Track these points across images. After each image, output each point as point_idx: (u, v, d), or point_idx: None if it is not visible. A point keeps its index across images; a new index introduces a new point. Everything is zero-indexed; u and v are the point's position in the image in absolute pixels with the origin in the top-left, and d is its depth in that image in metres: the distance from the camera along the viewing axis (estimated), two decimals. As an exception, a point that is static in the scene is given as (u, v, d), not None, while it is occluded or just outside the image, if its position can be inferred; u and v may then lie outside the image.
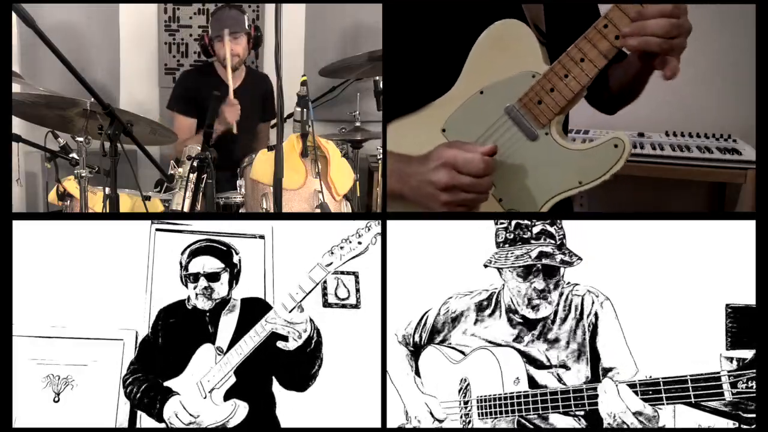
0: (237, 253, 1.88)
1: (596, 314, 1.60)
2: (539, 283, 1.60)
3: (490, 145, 1.48)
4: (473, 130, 1.56)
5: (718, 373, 1.31)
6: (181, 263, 1.86)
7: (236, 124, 3.30)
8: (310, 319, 1.69)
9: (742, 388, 1.28)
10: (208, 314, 1.83)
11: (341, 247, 1.66)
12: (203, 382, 1.74)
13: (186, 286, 1.86)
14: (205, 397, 1.72)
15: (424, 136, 1.59)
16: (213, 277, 1.83)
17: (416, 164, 1.52)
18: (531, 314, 1.61)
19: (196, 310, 1.84)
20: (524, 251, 1.59)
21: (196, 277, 1.83)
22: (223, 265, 1.84)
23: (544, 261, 1.58)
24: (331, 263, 1.65)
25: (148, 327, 1.88)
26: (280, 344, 1.67)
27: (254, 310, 1.81)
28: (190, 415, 1.71)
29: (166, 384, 1.77)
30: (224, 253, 1.86)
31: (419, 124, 1.62)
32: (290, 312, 1.66)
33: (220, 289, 1.83)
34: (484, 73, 1.55)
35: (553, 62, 1.50)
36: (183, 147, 3.14)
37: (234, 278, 1.86)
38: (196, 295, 1.83)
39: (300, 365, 1.72)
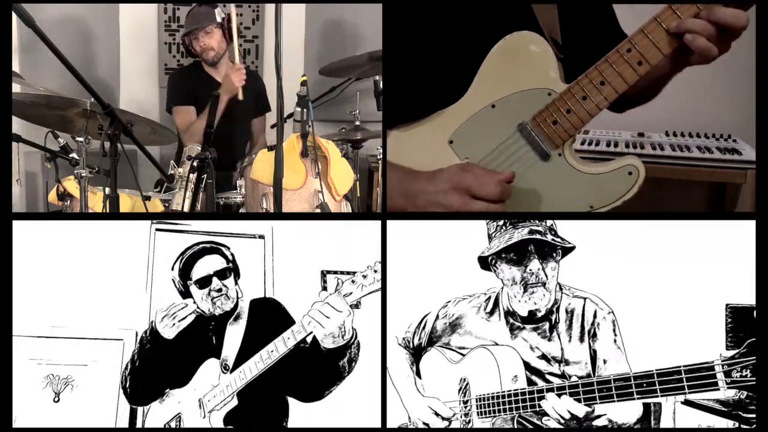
0: (228, 248, 1.81)
1: (597, 326, 1.59)
2: (534, 264, 1.58)
3: (508, 172, 1.43)
4: (483, 144, 1.52)
5: (712, 362, 1.30)
6: (176, 278, 1.79)
7: (242, 90, 3.25)
8: (353, 330, 1.59)
9: (736, 377, 1.27)
10: (212, 324, 1.76)
11: (365, 276, 1.56)
12: (204, 401, 1.70)
13: (187, 296, 1.78)
14: (204, 417, 1.68)
15: (430, 146, 1.55)
16: (222, 274, 1.76)
17: (424, 182, 1.47)
18: (529, 303, 1.59)
19: (201, 318, 1.76)
20: (516, 231, 1.58)
21: (206, 281, 1.75)
22: (226, 263, 1.78)
23: (536, 237, 1.56)
24: (351, 293, 1.56)
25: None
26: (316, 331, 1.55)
27: (264, 313, 1.76)
28: None
29: (170, 392, 1.75)
30: (219, 251, 1.79)
31: (424, 133, 1.57)
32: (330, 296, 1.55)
33: (232, 286, 1.77)
34: (497, 86, 1.51)
35: (569, 78, 1.46)
36: (188, 135, 3.17)
37: (236, 275, 1.80)
38: (213, 300, 1.74)
39: (320, 374, 1.63)
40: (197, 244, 1.80)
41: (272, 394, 1.71)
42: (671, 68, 1.51)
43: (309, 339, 1.61)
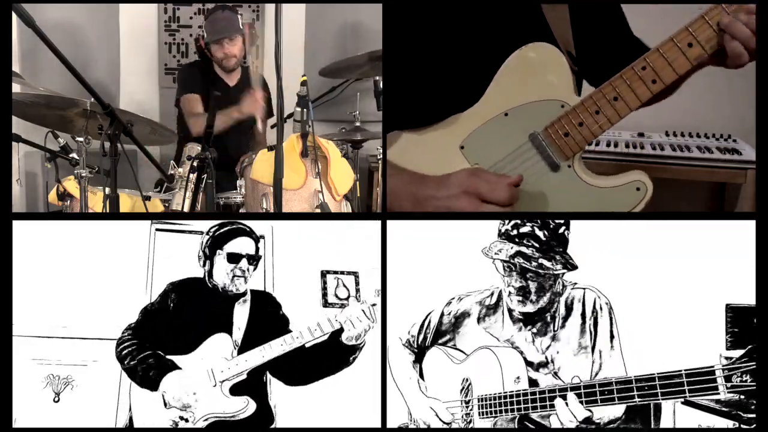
0: (262, 239, 1.86)
1: (596, 316, 1.60)
2: (516, 282, 1.58)
3: (516, 176, 1.44)
4: (494, 151, 1.53)
5: (713, 367, 1.31)
6: (205, 240, 1.82)
7: (260, 120, 3.29)
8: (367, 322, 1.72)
9: (736, 382, 1.28)
10: (223, 300, 1.81)
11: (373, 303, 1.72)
12: (215, 371, 1.73)
13: (208, 263, 1.82)
14: (215, 385, 1.72)
15: (441, 150, 1.56)
16: (251, 259, 1.81)
17: (433, 187, 1.47)
18: (518, 307, 1.61)
19: (216, 291, 1.81)
20: (505, 247, 1.58)
21: (236, 258, 1.80)
22: (255, 252, 1.83)
23: (518, 260, 1.56)
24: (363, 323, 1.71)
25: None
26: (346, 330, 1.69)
27: (265, 304, 1.82)
28: (191, 394, 1.71)
29: (170, 358, 1.77)
30: (255, 239, 1.84)
31: (437, 137, 1.57)
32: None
33: (250, 274, 1.82)
34: (511, 95, 1.52)
35: (581, 92, 1.47)
36: (194, 121, 3.24)
37: (256, 267, 1.85)
38: (234, 277, 1.79)
39: (322, 360, 1.73)
40: (241, 223, 1.85)
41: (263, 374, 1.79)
42: (707, 62, 1.50)
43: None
